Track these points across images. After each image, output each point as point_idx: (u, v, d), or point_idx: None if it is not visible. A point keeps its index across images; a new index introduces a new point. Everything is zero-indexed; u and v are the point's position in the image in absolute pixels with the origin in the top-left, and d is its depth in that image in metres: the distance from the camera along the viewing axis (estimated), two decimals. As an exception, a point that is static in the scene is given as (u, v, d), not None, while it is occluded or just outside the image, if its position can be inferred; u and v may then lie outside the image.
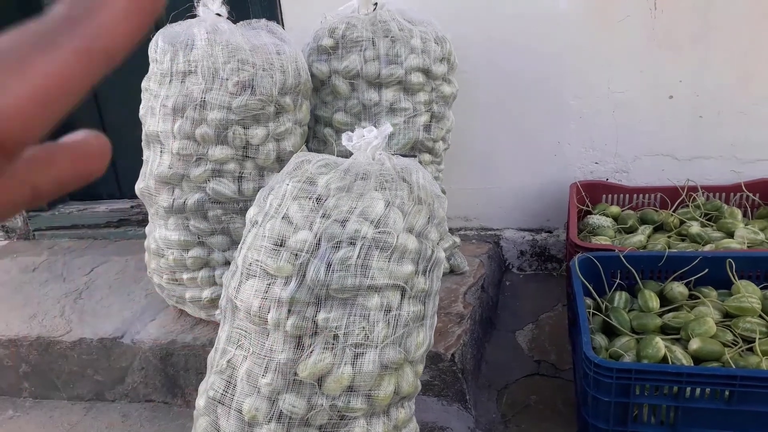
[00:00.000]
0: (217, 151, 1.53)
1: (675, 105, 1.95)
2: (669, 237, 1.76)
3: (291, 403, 1.08)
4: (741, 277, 1.44)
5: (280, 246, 1.10)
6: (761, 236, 1.66)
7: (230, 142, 1.53)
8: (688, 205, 1.90)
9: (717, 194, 1.94)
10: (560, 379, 1.68)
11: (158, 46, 1.55)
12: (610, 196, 2.03)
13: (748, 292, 1.38)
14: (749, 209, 1.91)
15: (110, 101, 2.49)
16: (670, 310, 1.42)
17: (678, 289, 1.44)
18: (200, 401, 1.19)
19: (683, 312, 1.40)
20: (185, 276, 1.66)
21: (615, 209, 1.95)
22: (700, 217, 1.82)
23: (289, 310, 1.08)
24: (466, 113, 2.03)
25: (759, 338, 1.27)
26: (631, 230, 1.83)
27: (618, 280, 1.51)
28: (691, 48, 1.88)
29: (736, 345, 1.28)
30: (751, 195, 1.90)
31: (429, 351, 1.21)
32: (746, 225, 1.75)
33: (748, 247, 1.63)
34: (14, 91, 0.22)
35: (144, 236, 1.78)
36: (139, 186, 1.65)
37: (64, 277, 2.19)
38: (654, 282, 1.50)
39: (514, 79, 2.03)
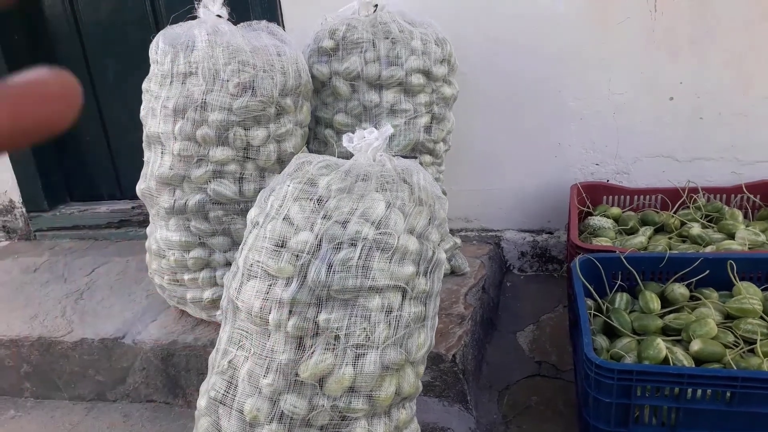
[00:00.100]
0: (218, 153, 1.54)
1: (675, 106, 1.96)
2: (670, 238, 1.76)
3: (292, 404, 1.08)
4: (742, 279, 1.44)
5: (281, 247, 1.10)
6: (762, 237, 1.66)
7: (231, 144, 1.54)
8: (688, 207, 1.90)
9: (718, 195, 1.94)
10: (561, 380, 1.68)
11: (159, 48, 1.56)
12: (610, 197, 2.03)
13: (749, 294, 1.38)
14: (750, 210, 1.91)
15: (111, 102, 2.50)
16: (671, 312, 1.42)
17: (679, 290, 1.44)
18: (201, 402, 1.19)
19: (684, 313, 1.40)
20: (186, 277, 1.66)
21: (616, 210, 1.95)
22: (700, 218, 1.82)
23: (290, 311, 1.08)
24: (466, 115, 2.03)
25: (760, 339, 1.27)
26: (632, 231, 1.84)
27: (619, 282, 1.51)
28: (691, 49, 1.89)
29: (737, 346, 1.28)
30: (751, 196, 1.90)
31: (430, 352, 1.21)
32: (747, 226, 1.75)
33: (749, 248, 1.63)
34: None
35: (145, 237, 1.78)
36: (140, 187, 1.65)
37: (65, 277, 2.20)
38: (655, 283, 1.50)
39: (514, 80, 2.03)
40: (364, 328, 1.08)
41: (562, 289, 2.07)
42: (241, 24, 1.63)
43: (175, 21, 1.61)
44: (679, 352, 1.27)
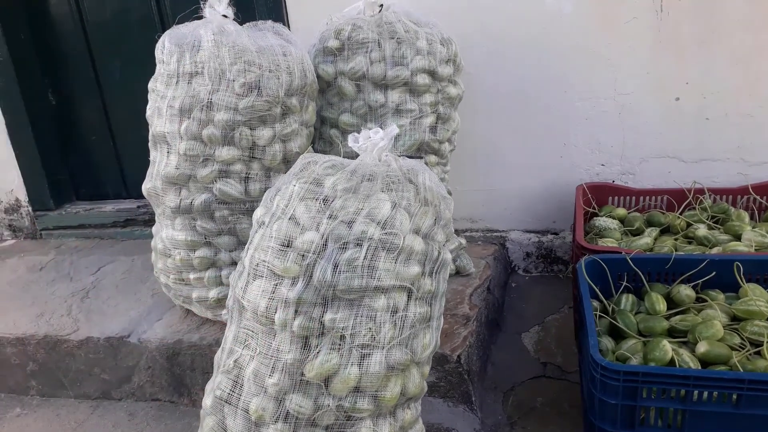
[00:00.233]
0: (224, 152, 1.54)
1: (681, 107, 1.95)
2: (676, 239, 1.76)
3: (298, 403, 1.08)
4: (748, 280, 1.44)
5: (287, 247, 1.11)
6: (769, 239, 1.65)
7: (237, 143, 1.54)
8: (694, 208, 1.89)
9: (724, 197, 1.93)
10: (566, 382, 1.67)
11: (165, 48, 1.56)
12: (616, 198, 2.03)
13: (755, 295, 1.38)
14: (756, 212, 1.90)
15: (117, 102, 2.51)
16: (677, 313, 1.42)
17: (685, 291, 1.44)
18: (207, 400, 1.20)
19: (690, 315, 1.39)
20: (192, 276, 1.67)
21: (621, 211, 1.95)
22: (707, 219, 1.82)
23: (296, 311, 1.08)
24: (472, 115, 2.03)
25: (767, 342, 1.27)
26: (638, 232, 1.83)
27: (624, 283, 1.51)
28: (697, 50, 1.88)
29: (743, 348, 1.28)
30: (758, 197, 1.89)
31: (435, 352, 1.21)
32: (753, 228, 1.74)
33: (756, 250, 1.62)
34: None
35: (150, 236, 1.79)
36: (146, 186, 1.66)
37: (71, 276, 2.20)
38: (661, 285, 1.50)
39: (520, 80, 2.03)
40: (370, 328, 1.08)
41: (568, 290, 2.06)
42: (247, 24, 1.63)
43: (181, 21, 1.62)
44: (685, 353, 1.26)
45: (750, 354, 1.27)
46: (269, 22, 1.67)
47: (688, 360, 1.25)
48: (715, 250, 1.65)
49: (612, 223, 1.85)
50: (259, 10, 2.13)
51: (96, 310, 1.93)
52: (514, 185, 2.16)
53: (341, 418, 1.10)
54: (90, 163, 2.63)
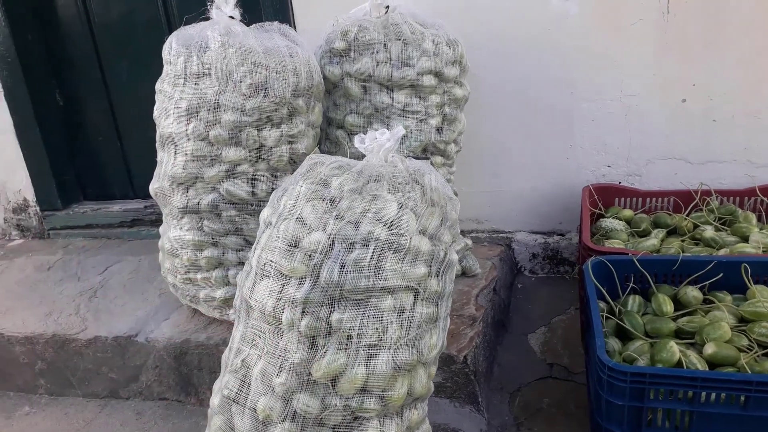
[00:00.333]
0: (231, 153, 1.55)
1: (688, 108, 1.94)
2: (683, 241, 1.75)
3: (305, 403, 1.09)
4: (756, 282, 1.44)
5: (294, 247, 1.11)
6: (776, 240, 1.64)
7: (244, 144, 1.55)
8: (701, 209, 1.89)
9: (731, 198, 1.92)
10: (573, 383, 1.67)
11: (172, 48, 1.57)
12: (622, 199, 2.02)
13: (763, 297, 1.37)
14: (764, 213, 1.89)
15: (124, 102, 2.52)
16: (684, 315, 1.41)
17: (692, 293, 1.44)
18: (215, 400, 1.20)
19: (698, 316, 1.39)
20: (199, 276, 1.68)
21: (628, 213, 1.94)
22: (714, 221, 1.81)
23: (303, 311, 1.08)
24: (478, 116, 2.03)
25: (774, 343, 1.27)
26: (645, 234, 1.83)
27: (631, 284, 1.50)
28: (704, 51, 1.87)
29: (751, 350, 1.28)
30: (765, 199, 1.88)
31: (441, 353, 1.21)
32: (761, 229, 1.73)
33: (763, 251, 1.62)
34: None
35: (157, 236, 1.80)
36: (153, 186, 1.66)
37: (78, 276, 2.22)
38: (668, 286, 1.50)
39: (526, 82, 2.03)
40: (377, 329, 1.08)
41: (574, 292, 2.06)
42: (254, 25, 1.64)
43: (188, 22, 1.62)
44: (692, 355, 1.26)
45: (758, 356, 1.27)
46: (276, 24, 1.67)
47: (696, 361, 1.25)
48: (722, 252, 1.64)
49: (618, 225, 1.85)
50: (265, 12, 2.14)
51: (104, 309, 1.94)
52: (520, 186, 2.16)
53: (348, 417, 1.10)
54: (97, 163, 2.65)
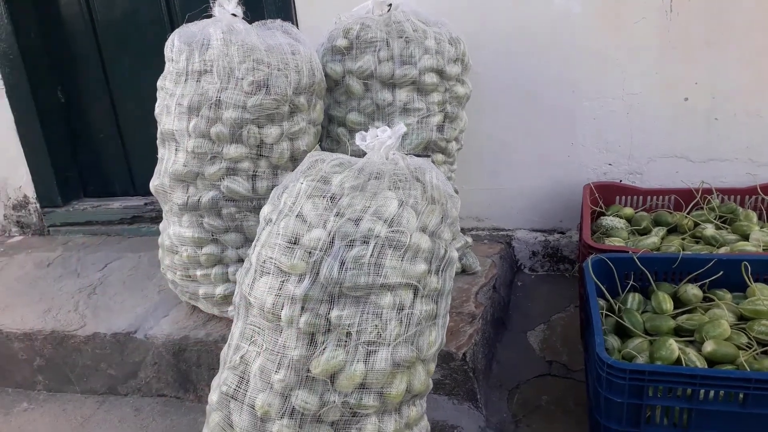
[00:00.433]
0: (232, 150, 1.55)
1: (690, 107, 1.94)
2: (683, 239, 1.75)
3: (303, 400, 1.09)
4: (756, 280, 1.44)
5: (294, 244, 1.11)
6: (777, 239, 1.64)
7: (245, 141, 1.55)
8: (702, 208, 1.88)
9: (732, 197, 1.92)
10: (572, 380, 1.67)
11: (174, 46, 1.57)
12: (623, 197, 2.02)
13: (763, 295, 1.37)
14: (765, 212, 1.89)
15: (126, 100, 2.52)
16: (683, 312, 1.41)
17: (692, 291, 1.44)
18: (213, 396, 1.20)
19: (697, 314, 1.39)
20: (199, 273, 1.68)
21: (628, 211, 1.94)
22: (714, 219, 1.81)
23: (302, 308, 1.08)
24: (479, 114, 2.03)
25: (774, 342, 1.27)
26: (645, 232, 1.83)
27: (631, 282, 1.50)
28: (706, 50, 1.87)
29: (750, 348, 1.28)
30: (766, 198, 1.88)
31: (440, 350, 1.21)
32: (761, 228, 1.73)
33: (764, 249, 1.61)
34: None
35: (157, 233, 1.80)
36: (153, 183, 1.66)
37: (78, 272, 2.22)
38: (668, 284, 1.50)
39: (527, 80, 2.02)
40: (376, 326, 1.08)
41: (573, 289, 2.06)
42: (256, 23, 1.64)
43: (191, 20, 1.62)
44: (691, 353, 1.26)
45: (757, 353, 1.27)
46: (278, 21, 1.67)
47: (695, 359, 1.25)
48: (722, 250, 1.64)
49: (619, 223, 1.85)
50: (267, 9, 2.14)
51: (103, 306, 1.94)
52: (521, 184, 2.16)
53: (347, 414, 1.10)
54: (98, 160, 2.65)
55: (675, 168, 2.02)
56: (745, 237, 1.69)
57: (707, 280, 1.45)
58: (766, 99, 1.88)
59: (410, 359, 1.11)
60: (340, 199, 1.13)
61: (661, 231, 1.79)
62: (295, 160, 1.63)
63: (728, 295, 1.44)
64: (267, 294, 1.11)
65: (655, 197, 1.99)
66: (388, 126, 1.43)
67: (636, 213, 1.93)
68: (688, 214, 1.88)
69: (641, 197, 2.01)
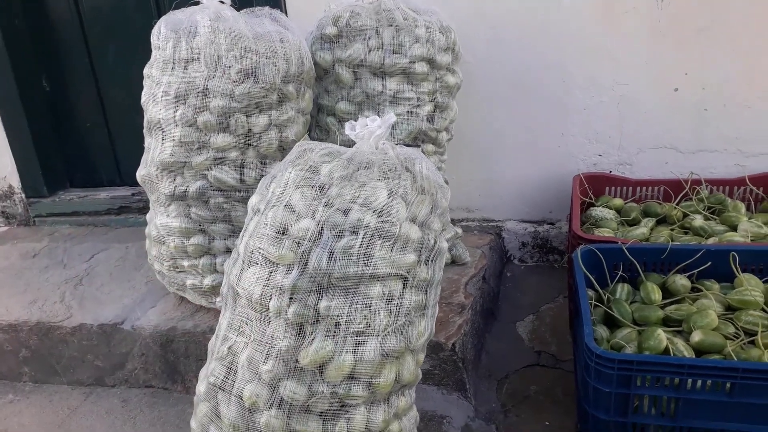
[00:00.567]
0: (219, 139, 1.53)
1: (680, 98, 1.94)
2: (672, 230, 1.76)
3: (292, 390, 1.08)
4: (744, 271, 1.44)
5: (283, 234, 1.10)
6: (765, 230, 1.65)
7: (232, 130, 1.53)
8: (691, 198, 1.89)
9: (721, 187, 1.93)
10: (560, 370, 1.68)
11: (161, 33, 1.54)
12: (613, 188, 2.03)
13: (750, 286, 1.38)
14: (753, 203, 1.90)
15: (112, 88, 2.48)
16: (672, 303, 1.42)
17: (680, 281, 1.44)
18: (201, 387, 1.19)
19: (685, 304, 1.40)
20: (186, 263, 1.66)
21: (618, 201, 1.95)
22: (703, 210, 1.82)
23: (290, 298, 1.07)
24: (469, 104, 2.02)
25: (761, 331, 1.27)
26: (634, 223, 1.83)
27: (620, 272, 1.51)
28: (696, 41, 1.87)
29: (738, 338, 1.28)
30: (755, 188, 1.89)
31: (430, 340, 1.21)
32: (750, 218, 1.74)
33: (752, 240, 1.62)
34: None
35: (144, 223, 1.78)
36: (140, 173, 1.64)
37: (64, 263, 2.19)
38: (656, 274, 1.50)
39: (518, 70, 2.02)
40: (365, 316, 1.07)
41: (563, 280, 2.06)
42: (244, 10, 1.61)
43: (178, 6, 1.60)
44: (679, 342, 1.27)
45: (744, 343, 1.27)
46: (266, 9, 1.65)
47: (683, 349, 1.25)
48: (711, 241, 1.65)
49: (608, 213, 1.85)
50: (255, -4, 2.11)
51: (89, 297, 1.92)
52: (511, 175, 2.16)
53: (335, 404, 1.10)
54: (84, 149, 2.61)
55: (664, 159, 2.02)
56: (734, 228, 1.70)
57: (696, 271, 1.46)
58: (756, 90, 1.89)
59: (399, 349, 1.11)
60: (329, 189, 1.12)
61: (650, 222, 1.80)
62: (283, 149, 1.61)
63: (716, 286, 1.45)
64: (255, 284, 1.10)
65: (644, 188, 2.00)
66: (378, 115, 1.41)
67: (625, 204, 1.94)
68: (677, 204, 1.89)
69: (631, 188, 2.01)
